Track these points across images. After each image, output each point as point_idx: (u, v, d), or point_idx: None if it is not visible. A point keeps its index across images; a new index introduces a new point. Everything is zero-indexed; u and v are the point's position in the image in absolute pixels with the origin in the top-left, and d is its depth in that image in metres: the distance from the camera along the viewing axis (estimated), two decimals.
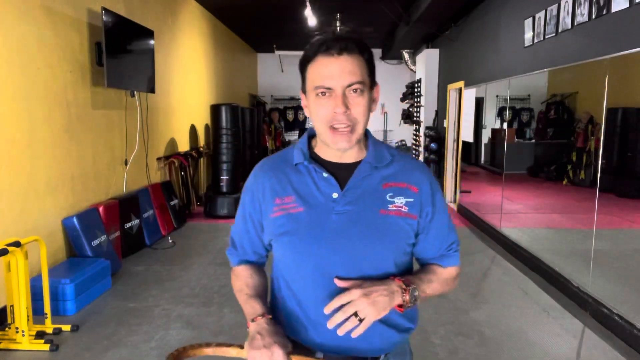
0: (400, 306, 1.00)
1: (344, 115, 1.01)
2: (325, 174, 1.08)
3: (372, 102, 1.07)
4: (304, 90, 1.09)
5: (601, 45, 3.42)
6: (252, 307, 1.10)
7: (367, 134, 1.13)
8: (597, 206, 3.43)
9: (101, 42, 4.13)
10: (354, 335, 0.95)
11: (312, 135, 1.16)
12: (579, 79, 4.06)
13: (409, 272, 1.14)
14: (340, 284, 1.00)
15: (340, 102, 1.00)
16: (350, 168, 1.10)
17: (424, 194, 1.10)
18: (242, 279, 1.19)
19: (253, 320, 1.06)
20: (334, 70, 1.01)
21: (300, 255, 1.08)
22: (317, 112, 1.04)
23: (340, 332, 0.95)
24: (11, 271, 2.80)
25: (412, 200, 1.09)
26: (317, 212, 1.07)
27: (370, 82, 1.06)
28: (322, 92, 1.02)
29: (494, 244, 5.26)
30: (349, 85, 1.01)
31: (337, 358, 1.08)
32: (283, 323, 1.12)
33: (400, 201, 1.08)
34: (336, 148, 1.06)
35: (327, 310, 0.97)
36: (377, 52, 11.69)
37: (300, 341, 1.10)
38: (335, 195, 1.07)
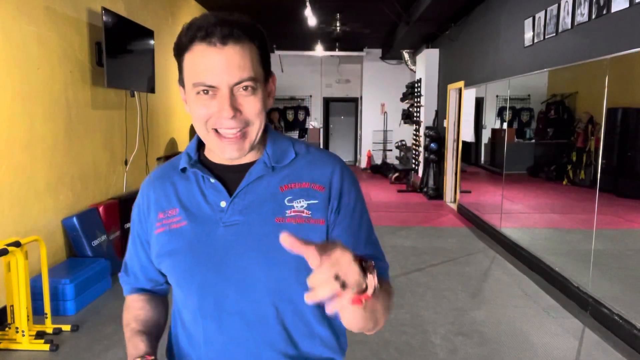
0: (362, 292, 0.66)
1: (233, 120, 0.81)
2: (212, 180, 0.89)
3: (267, 97, 0.88)
4: (181, 84, 0.89)
5: (601, 45, 3.42)
6: (134, 347, 0.90)
7: (266, 129, 0.92)
8: (597, 206, 3.43)
9: (101, 42, 4.13)
10: (338, 308, 0.62)
11: None
12: (579, 79, 4.06)
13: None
14: (286, 242, 0.62)
15: (227, 105, 0.80)
16: (243, 170, 0.90)
17: (333, 192, 0.89)
18: (132, 311, 0.99)
19: None
20: (217, 65, 0.80)
21: (184, 279, 0.90)
22: (198, 114, 0.83)
23: (330, 309, 0.62)
24: (11, 271, 2.80)
25: (317, 202, 0.88)
26: (202, 226, 0.88)
27: (264, 75, 0.86)
28: (203, 91, 0.82)
29: (494, 244, 5.26)
30: (238, 83, 0.81)
31: None
32: None
33: (300, 205, 0.87)
34: (225, 157, 0.87)
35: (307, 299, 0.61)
36: (377, 52, 11.70)
37: None
38: (223, 204, 0.88)
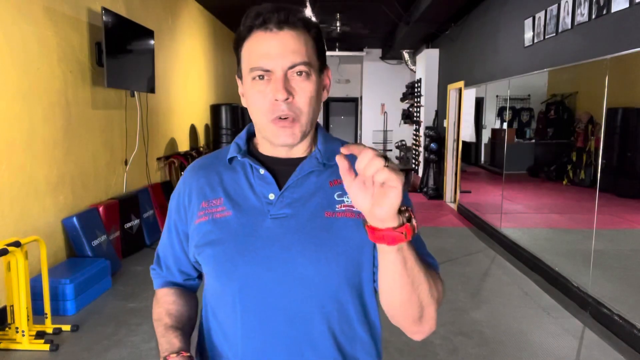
0: (400, 226, 0.68)
1: (286, 103, 0.81)
2: (262, 171, 0.88)
3: (322, 89, 0.89)
4: (239, 76, 0.89)
5: (601, 45, 3.42)
6: (168, 342, 0.88)
7: (317, 127, 0.93)
8: (597, 206, 3.43)
9: (101, 42, 4.13)
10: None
11: (253, 131, 0.96)
12: (579, 79, 4.06)
13: (369, 298, 0.89)
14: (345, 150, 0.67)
15: (280, 87, 0.80)
16: (294, 164, 0.89)
17: None
18: (164, 305, 0.97)
19: (165, 359, 0.85)
20: (273, 48, 0.81)
21: (224, 271, 0.86)
22: (254, 101, 0.84)
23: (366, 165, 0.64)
24: (11, 271, 2.80)
25: None
26: (248, 217, 0.86)
27: (319, 65, 0.86)
28: (259, 76, 0.82)
29: (494, 244, 5.26)
30: (292, 67, 0.81)
31: None
32: None
33: (350, 200, 0.83)
34: (278, 144, 0.86)
35: (344, 151, 0.67)
36: (377, 52, 11.70)
37: None
38: (271, 196, 0.87)
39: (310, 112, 0.85)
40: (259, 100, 0.83)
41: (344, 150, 0.67)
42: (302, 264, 0.83)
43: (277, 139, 0.85)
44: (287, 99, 0.81)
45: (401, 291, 0.75)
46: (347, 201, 0.86)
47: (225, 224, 0.87)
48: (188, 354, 0.86)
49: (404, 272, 0.73)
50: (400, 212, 0.68)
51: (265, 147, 0.92)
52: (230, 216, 0.87)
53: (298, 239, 0.84)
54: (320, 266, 0.83)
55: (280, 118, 0.83)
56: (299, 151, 0.90)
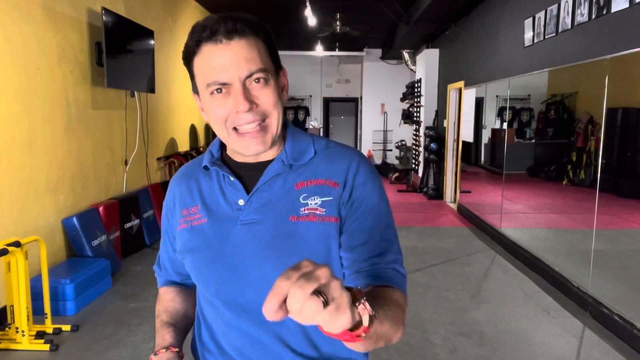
0: (353, 329, 0.58)
1: (251, 113, 0.81)
2: (231, 178, 0.90)
3: (281, 90, 0.88)
4: (195, 91, 0.88)
5: (601, 45, 3.42)
6: (161, 337, 0.94)
7: (285, 125, 0.93)
8: (597, 206, 3.43)
9: (101, 42, 4.13)
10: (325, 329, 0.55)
11: None
12: (579, 79, 4.06)
13: None
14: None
15: (241, 99, 0.80)
16: (262, 168, 0.90)
17: (347, 186, 0.87)
18: (163, 302, 1.03)
19: (155, 354, 0.91)
20: (226, 61, 0.80)
21: (202, 277, 0.91)
22: (215, 114, 0.83)
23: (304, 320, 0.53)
24: (11, 271, 2.80)
25: (331, 199, 0.86)
26: (220, 224, 0.88)
27: (274, 68, 0.86)
28: (217, 89, 0.81)
29: (494, 244, 5.26)
30: (249, 76, 0.81)
31: None
32: (198, 356, 0.98)
33: (314, 202, 0.86)
34: (249, 154, 0.87)
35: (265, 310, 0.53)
36: (377, 52, 11.69)
37: None
38: (241, 202, 0.88)
39: (276, 114, 0.84)
40: (221, 115, 0.83)
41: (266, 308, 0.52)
42: (271, 268, 0.83)
43: (246, 149, 0.85)
44: (250, 109, 0.81)
45: (367, 347, 0.70)
46: (311, 204, 0.86)
47: (201, 231, 0.90)
48: (176, 350, 0.92)
49: (372, 344, 0.69)
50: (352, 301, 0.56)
51: (235, 153, 0.93)
52: (205, 223, 0.90)
53: (265, 244, 0.85)
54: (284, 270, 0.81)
55: (239, 131, 0.83)
56: (268, 154, 0.90)
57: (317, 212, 0.85)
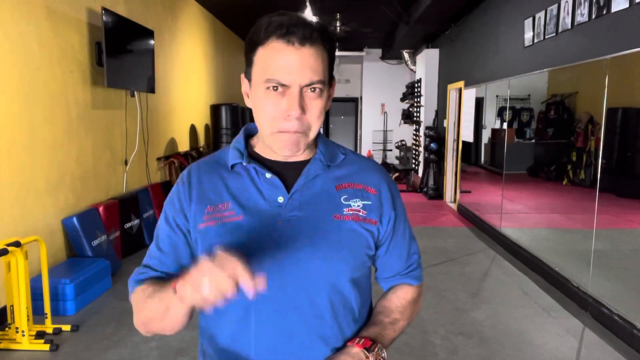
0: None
1: (298, 122, 0.84)
2: (268, 175, 0.90)
3: (328, 100, 0.92)
4: (247, 77, 0.90)
5: (601, 45, 3.42)
6: (163, 287, 0.85)
7: None
8: (597, 206, 3.43)
9: (101, 42, 4.13)
10: None
11: (250, 134, 0.99)
12: (579, 79, 4.06)
13: (366, 292, 0.97)
14: None
15: (296, 104, 0.82)
16: (298, 167, 0.92)
17: (384, 197, 0.95)
18: (142, 292, 0.90)
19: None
20: (293, 64, 0.82)
21: None
22: (264, 110, 0.85)
23: None
24: (11, 271, 2.80)
25: (370, 203, 0.93)
26: (259, 221, 0.88)
27: (329, 79, 0.90)
28: (274, 87, 0.83)
29: (494, 244, 5.26)
30: (309, 85, 0.83)
31: None
32: None
33: (356, 204, 0.92)
34: (282, 155, 0.90)
35: None
36: (377, 52, 11.69)
37: None
38: (280, 199, 0.89)
39: (318, 125, 0.88)
40: (270, 111, 0.85)
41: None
42: (314, 263, 0.87)
43: (281, 150, 0.88)
44: (300, 115, 0.84)
45: None
46: (353, 205, 0.92)
47: (238, 228, 0.88)
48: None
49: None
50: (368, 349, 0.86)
51: (264, 150, 0.94)
52: (242, 220, 0.88)
53: (309, 240, 0.87)
54: (331, 266, 0.88)
55: (283, 131, 0.85)
56: (302, 155, 0.93)
57: (360, 213, 0.92)
